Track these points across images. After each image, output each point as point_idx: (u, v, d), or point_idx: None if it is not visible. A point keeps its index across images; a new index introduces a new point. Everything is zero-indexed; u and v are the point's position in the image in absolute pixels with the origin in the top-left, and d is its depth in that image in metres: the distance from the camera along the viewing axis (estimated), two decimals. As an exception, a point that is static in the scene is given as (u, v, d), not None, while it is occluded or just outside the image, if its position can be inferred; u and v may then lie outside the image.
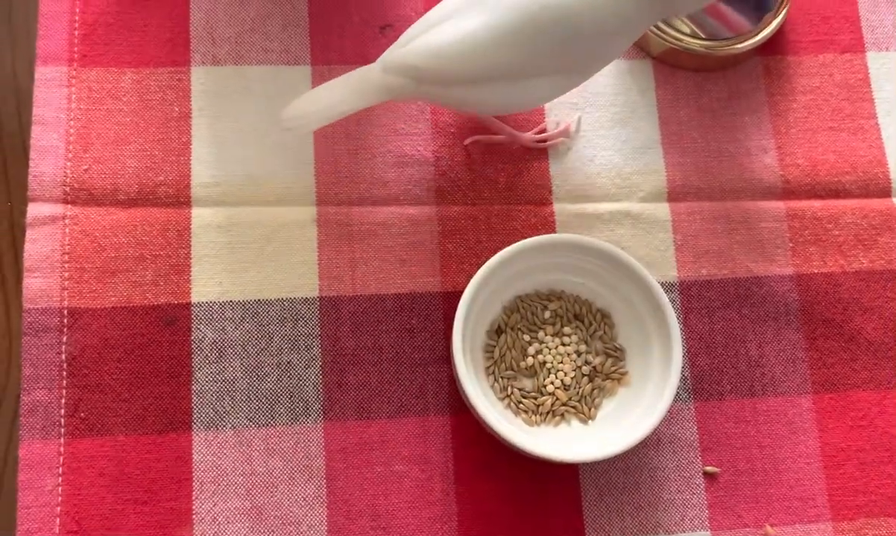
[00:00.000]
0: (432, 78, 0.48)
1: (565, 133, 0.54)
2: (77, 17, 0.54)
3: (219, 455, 0.49)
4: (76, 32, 0.54)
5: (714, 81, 0.57)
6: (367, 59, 0.54)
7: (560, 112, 0.55)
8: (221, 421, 0.49)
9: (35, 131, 0.52)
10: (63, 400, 0.49)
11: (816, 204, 0.55)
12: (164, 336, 0.50)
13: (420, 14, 0.56)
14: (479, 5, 0.47)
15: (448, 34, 0.47)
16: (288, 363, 0.51)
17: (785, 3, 0.55)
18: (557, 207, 0.54)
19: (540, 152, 0.54)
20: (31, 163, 0.52)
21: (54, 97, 0.53)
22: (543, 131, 0.55)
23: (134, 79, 0.53)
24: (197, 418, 0.49)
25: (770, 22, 0.55)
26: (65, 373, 0.49)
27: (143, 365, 0.50)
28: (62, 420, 0.49)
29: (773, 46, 0.57)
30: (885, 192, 0.56)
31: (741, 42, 0.55)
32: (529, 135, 0.54)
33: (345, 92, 0.49)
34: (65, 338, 0.50)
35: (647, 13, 0.47)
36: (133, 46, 0.54)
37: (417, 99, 0.51)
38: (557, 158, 0.55)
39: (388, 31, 0.56)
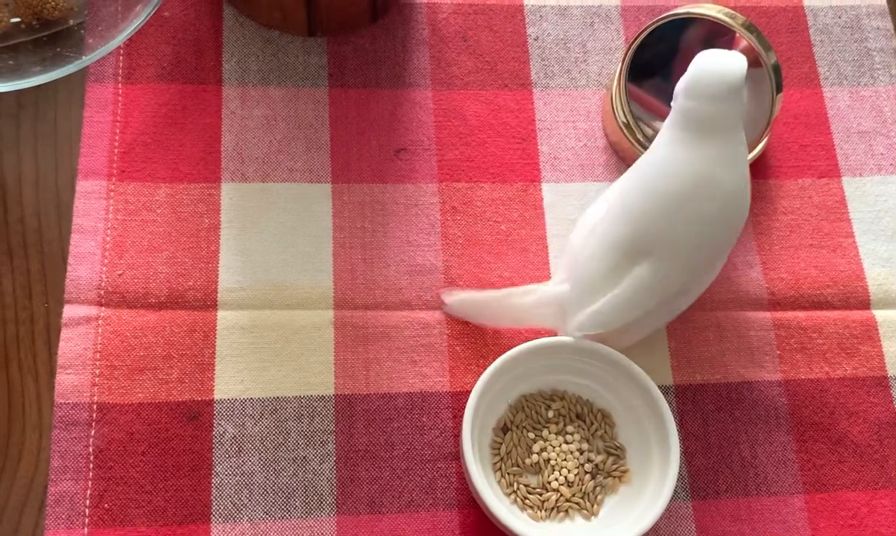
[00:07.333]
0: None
1: None
2: (117, 137, 0.59)
3: (235, 546, 0.51)
4: (116, 150, 0.58)
5: (702, 202, 0.61)
6: (383, 179, 0.60)
7: None
8: (239, 514, 0.52)
9: (74, 239, 0.56)
10: (88, 491, 0.51)
11: (801, 314, 0.59)
12: (187, 431, 0.53)
13: (432, 140, 0.61)
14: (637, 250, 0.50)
15: (611, 304, 0.51)
16: (304, 458, 0.53)
17: (765, 132, 0.61)
18: (559, 314, 0.57)
19: (542, 263, 0.59)
20: (69, 268, 0.55)
21: (93, 208, 0.57)
22: None
23: (168, 193, 0.58)
24: (216, 510, 0.51)
25: (752, 149, 0.60)
26: (91, 465, 0.52)
27: (166, 458, 0.52)
28: (87, 510, 0.51)
29: (756, 171, 0.62)
30: (865, 305, 0.60)
31: (726, 167, 0.60)
32: None
33: None
34: (93, 432, 0.52)
35: None
36: (168, 164, 0.59)
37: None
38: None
39: (403, 154, 0.61)
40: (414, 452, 0.54)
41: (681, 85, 0.50)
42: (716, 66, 0.49)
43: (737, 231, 0.52)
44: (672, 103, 0.51)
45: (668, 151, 0.50)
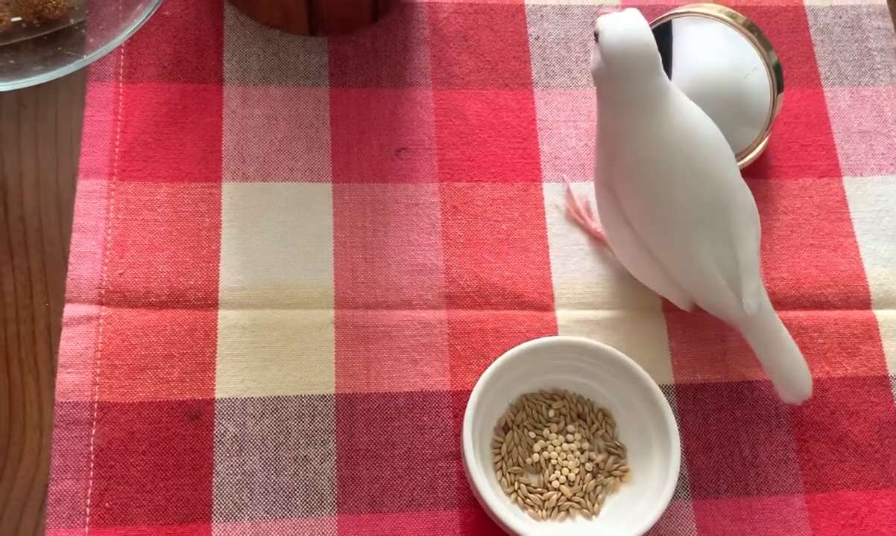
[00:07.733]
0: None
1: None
2: (118, 136, 0.59)
3: (236, 546, 0.51)
4: (117, 150, 0.58)
5: (703, 202, 0.61)
6: (384, 178, 0.60)
7: None
8: (240, 513, 0.52)
9: (75, 238, 0.56)
10: (89, 490, 0.51)
11: (801, 314, 0.59)
12: (188, 430, 0.53)
13: (433, 139, 0.61)
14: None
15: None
16: (304, 457, 0.53)
17: (766, 132, 0.61)
18: (559, 313, 0.57)
19: (543, 262, 0.59)
20: (70, 267, 0.55)
21: (94, 207, 0.57)
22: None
23: (169, 192, 0.58)
24: (217, 509, 0.51)
25: (753, 149, 0.60)
26: (92, 464, 0.52)
27: (166, 457, 0.52)
28: (87, 509, 0.51)
29: (757, 170, 0.62)
30: (866, 304, 0.60)
31: (727, 166, 0.60)
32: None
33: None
34: (94, 431, 0.52)
35: None
36: (169, 163, 0.59)
37: None
38: (559, 268, 0.59)
39: (404, 153, 0.61)
40: (415, 451, 0.54)
41: (592, 67, 0.51)
42: (620, 44, 0.50)
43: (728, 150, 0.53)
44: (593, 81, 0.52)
45: (628, 129, 0.51)
